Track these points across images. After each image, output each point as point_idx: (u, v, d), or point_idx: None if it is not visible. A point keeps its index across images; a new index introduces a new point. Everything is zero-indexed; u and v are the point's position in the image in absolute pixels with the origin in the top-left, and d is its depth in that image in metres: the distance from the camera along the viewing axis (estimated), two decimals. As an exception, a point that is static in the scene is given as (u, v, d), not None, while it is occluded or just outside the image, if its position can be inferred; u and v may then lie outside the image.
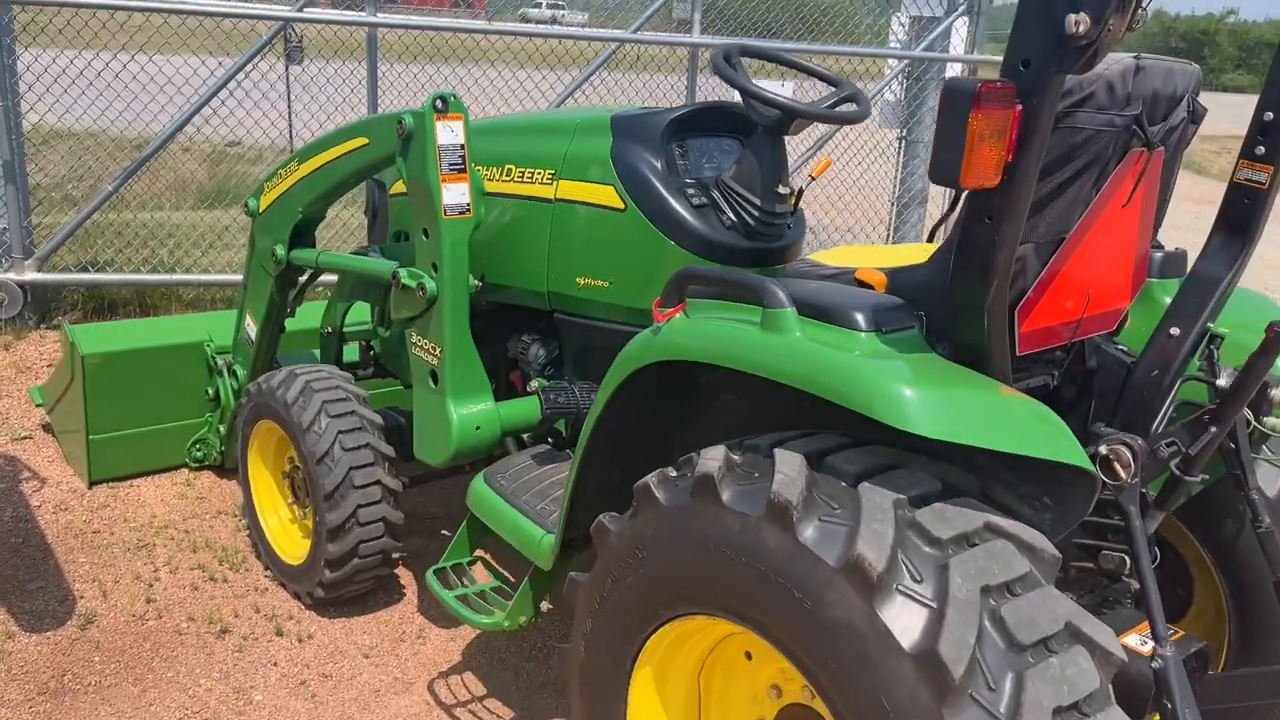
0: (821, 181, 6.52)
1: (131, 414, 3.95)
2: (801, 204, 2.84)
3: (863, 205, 7.08)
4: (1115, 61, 1.90)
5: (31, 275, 5.59)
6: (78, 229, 5.82)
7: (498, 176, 3.01)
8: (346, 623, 3.27)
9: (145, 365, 3.94)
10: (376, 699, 2.94)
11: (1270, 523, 2.21)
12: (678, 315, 2.07)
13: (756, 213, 2.65)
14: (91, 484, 3.95)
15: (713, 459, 1.89)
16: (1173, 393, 2.25)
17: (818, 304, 1.92)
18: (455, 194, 2.75)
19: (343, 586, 3.21)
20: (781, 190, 2.68)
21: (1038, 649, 1.60)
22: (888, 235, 6.90)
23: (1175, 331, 2.27)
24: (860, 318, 1.88)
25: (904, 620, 1.58)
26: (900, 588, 1.60)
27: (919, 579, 1.61)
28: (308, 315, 3.89)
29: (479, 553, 2.93)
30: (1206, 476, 2.16)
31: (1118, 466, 1.96)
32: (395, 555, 3.23)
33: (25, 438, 4.33)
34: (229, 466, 4.08)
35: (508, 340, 3.20)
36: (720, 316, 2.02)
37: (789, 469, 1.78)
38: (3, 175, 5.46)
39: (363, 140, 3.03)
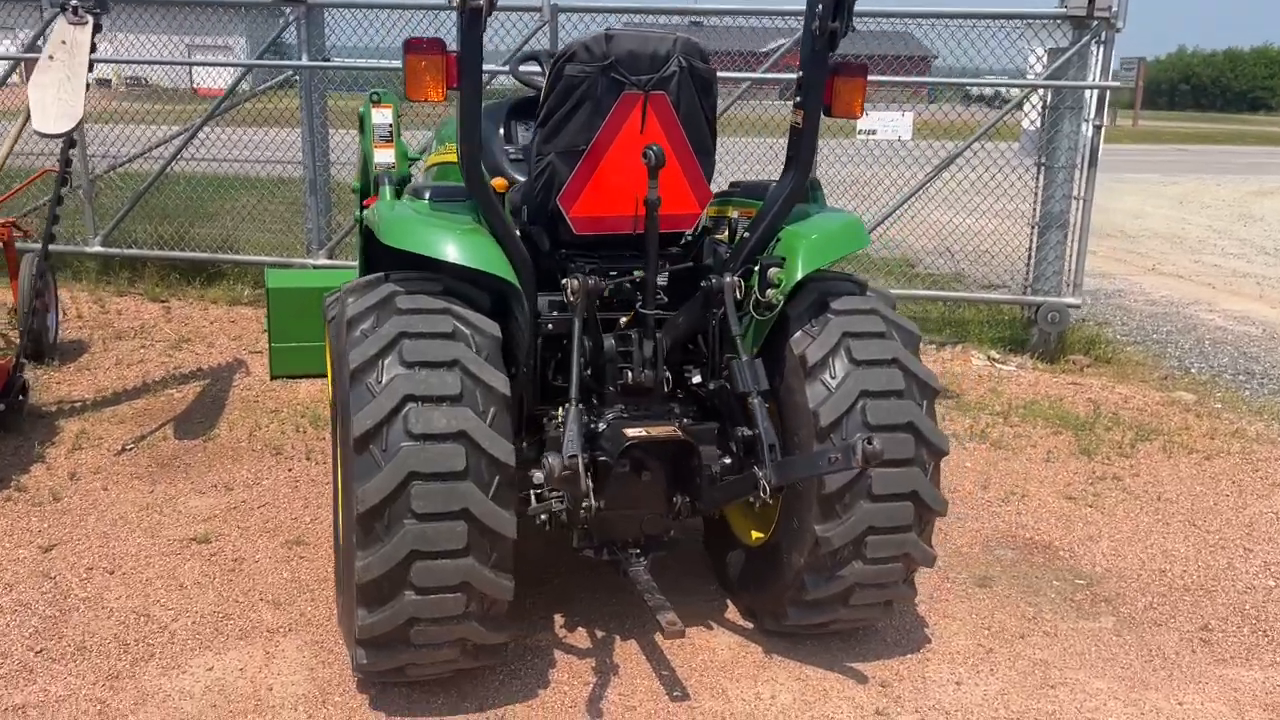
0: (964, 208, 7.13)
1: (299, 332, 5.82)
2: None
3: (1001, 230, 7.45)
4: (590, 33, 2.91)
5: (321, 260, 7.89)
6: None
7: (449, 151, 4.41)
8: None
9: (309, 299, 5.78)
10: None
11: (737, 357, 2.95)
12: (374, 202, 3.37)
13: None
14: (272, 378, 5.88)
15: None
16: (751, 265, 3.09)
17: (415, 189, 3.12)
18: (384, 156, 4.23)
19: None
20: None
21: (424, 367, 2.67)
22: (1028, 257, 7.18)
23: (747, 235, 3.14)
24: (428, 194, 3.06)
25: (353, 348, 2.74)
26: (359, 329, 2.77)
27: (376, 325, 2.76)
28: None
29: None
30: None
31: (568, 291, 2.91)
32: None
33: (257, 352, 6.43)
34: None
35: None
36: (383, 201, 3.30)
37: (349, 286, 3.01)
38: (309, 189, 7.84)
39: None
